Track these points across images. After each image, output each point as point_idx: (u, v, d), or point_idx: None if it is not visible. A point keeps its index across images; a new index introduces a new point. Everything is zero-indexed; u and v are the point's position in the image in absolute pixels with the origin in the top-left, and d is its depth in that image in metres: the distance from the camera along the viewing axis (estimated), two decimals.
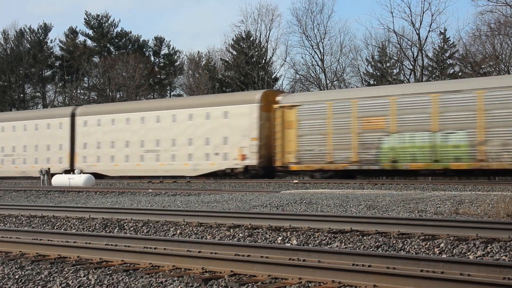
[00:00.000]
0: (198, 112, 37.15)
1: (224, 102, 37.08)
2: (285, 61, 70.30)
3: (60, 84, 77.01)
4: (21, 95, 74.94)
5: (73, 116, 42.99)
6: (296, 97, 36.06)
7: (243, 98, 36.97)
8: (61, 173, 40.93)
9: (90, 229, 13.46)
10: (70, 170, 41.13)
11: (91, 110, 43.89)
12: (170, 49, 78.77)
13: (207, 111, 36.66)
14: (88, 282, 7.49)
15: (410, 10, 65.01)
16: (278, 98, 34.47)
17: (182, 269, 7.99)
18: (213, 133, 36.10)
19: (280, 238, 11.14)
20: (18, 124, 45.53)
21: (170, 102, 43.02)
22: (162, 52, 79.04)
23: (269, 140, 34.51)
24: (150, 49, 78.79)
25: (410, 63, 57.70)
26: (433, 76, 58.49)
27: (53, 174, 41.23)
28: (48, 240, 10.30)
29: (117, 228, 13.34)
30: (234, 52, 66.77)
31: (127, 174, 40.02)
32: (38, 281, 7.63)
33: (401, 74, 59.89)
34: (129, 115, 40.26)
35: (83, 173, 41.07)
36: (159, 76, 77.70)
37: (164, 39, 78.88)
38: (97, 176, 40.29)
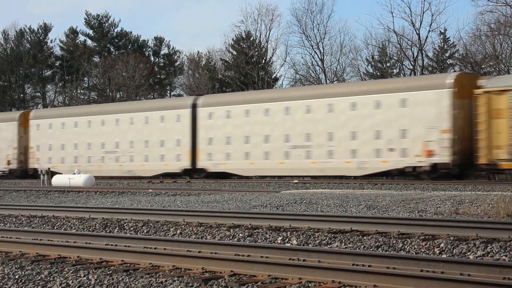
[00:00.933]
0: (364, 100, 31.70)
1: (400, 88, 31.84)
2: (285, 61, 70.25)
3: (60, 84, 77.03)
4: (21, 95, 74.95)
5: (194, 107, 37.57)
6: (509, 80, 30.15)
7: (428, 83, 31.40)
8: (180, 172, 37.05)
9: (90, 229, 13.46)
10: (191, 169, 37.05)
11: (218, 100, 38.42)
12: (170, 49, 78.95)
13: (377, 99, 31.34)
14: (88, 282, 7.48)
15: (410, 10, 64.66)
16: (481, 82, 29.16)
17: (182, 269, 7.99)
18: (386, 125, 31.02)
19: (280, 238, 11.13)
20: (123, 117, 40.23)
21: (324, 90, 36.56)
22: (162, 52, 79.16)
23: (464, 133, 29.41)
24: (150, 49, 78.87)
25: (410, 63, 57.75)
26: None
27: (173, 174, 37.01)
28: (48, 240, 10.30)
29: (117, 228, 13.34)
30: (234, 52, 66.77)
31: (266, 173, 35.42)
32: (38, 281, 7.63)
33: (401, 74, 59.92)
34: (269, 105, 34.72)
35: (208, 172, 36.36)
36: (159, 76, 77.73)
37: (164, 39, 79.04)
38: (225, 176, 36.15)
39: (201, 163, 36.72)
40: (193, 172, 37.20)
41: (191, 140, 37.22)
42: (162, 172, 38.23)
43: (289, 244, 10.60)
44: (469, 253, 9.24)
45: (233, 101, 37.04)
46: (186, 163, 37.26)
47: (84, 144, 41.78)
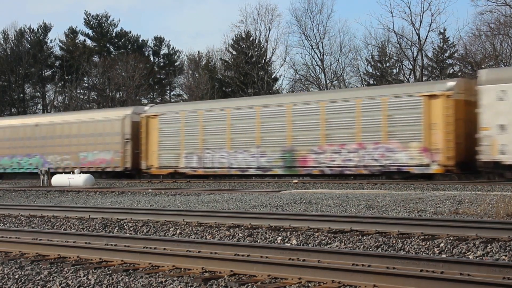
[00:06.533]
0: None
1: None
2: (284, 61, 70.27)
3: (60, 84, 77.00)
4: (21, 95, 74.90)
5: None
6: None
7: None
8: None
9: (90, 229, 13.45)
10: None
11: None
12: (170, 49, 78.93)
13: None
14: (88, 282, 7.48)
15: (410, 10, 64.79)
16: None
17: (182, 269, 7.98)
18: None
19: (280, 238, 11.13)
20: None
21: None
22: (162, 52, 79.14)
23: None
24: (150, 49, 78.85)
25: (410, 63, 57.79)
26: (433, 76, 58.52)
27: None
28: (48, 240, 10.30)
29: (117, 228, 13.33)
30: (234, 52, 66.78)
31: None
32: (38, 281, 7.62)
33: (401, 74, 59.96)
34: None
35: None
36: (158, 76, 77.68)
37: (163, 39, 79.06)
38: None
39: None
40: None
41: None
42: None
43: (289, 244, 10.60)
44: (469, 253, 9.23)
45: None
46: None
47: None
